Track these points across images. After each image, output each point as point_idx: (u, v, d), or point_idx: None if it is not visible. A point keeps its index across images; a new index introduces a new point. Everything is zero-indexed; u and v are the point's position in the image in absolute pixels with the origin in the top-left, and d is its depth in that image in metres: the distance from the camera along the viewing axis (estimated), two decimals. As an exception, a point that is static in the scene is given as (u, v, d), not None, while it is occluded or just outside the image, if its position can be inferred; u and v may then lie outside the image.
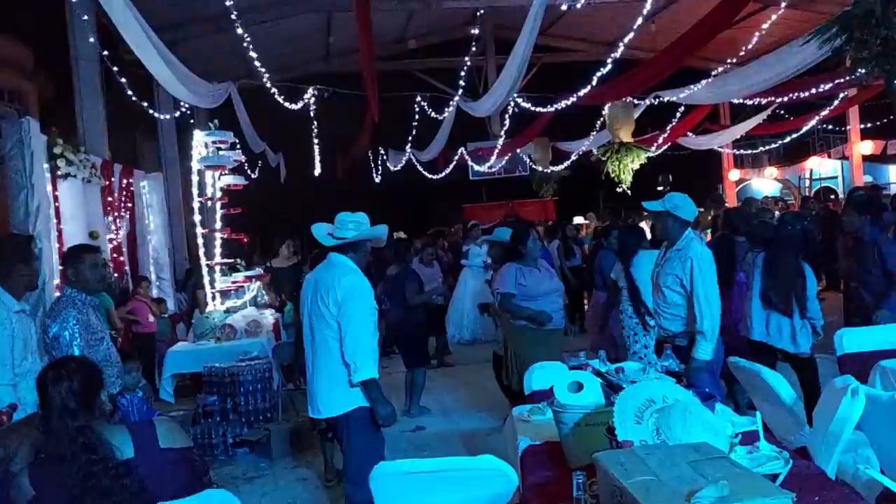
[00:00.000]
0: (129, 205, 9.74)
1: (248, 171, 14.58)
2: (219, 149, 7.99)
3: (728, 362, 4.05)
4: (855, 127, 15.41)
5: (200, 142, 7.92)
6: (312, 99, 12.82)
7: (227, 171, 8.12)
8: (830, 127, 18.65)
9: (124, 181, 9.50)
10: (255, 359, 6.21)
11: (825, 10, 10.06)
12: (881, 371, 4.04)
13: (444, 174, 18.37)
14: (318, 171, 16.30)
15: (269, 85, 10.75)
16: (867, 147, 15.31)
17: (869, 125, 15.89)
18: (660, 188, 20.94)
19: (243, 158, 9.20)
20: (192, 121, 12.07)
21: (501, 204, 18.63)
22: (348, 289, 3.65)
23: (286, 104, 12.00)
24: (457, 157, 17.33)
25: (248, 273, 8.17)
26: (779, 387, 3.47)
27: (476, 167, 17.60)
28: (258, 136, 13.08)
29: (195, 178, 7.91)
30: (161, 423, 2.77)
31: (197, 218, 7.88)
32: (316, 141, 15.00)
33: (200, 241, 7.82)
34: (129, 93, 9.83)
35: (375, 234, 3.90)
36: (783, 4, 8.39)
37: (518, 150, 16.75)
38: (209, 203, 8.00)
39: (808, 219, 7.12)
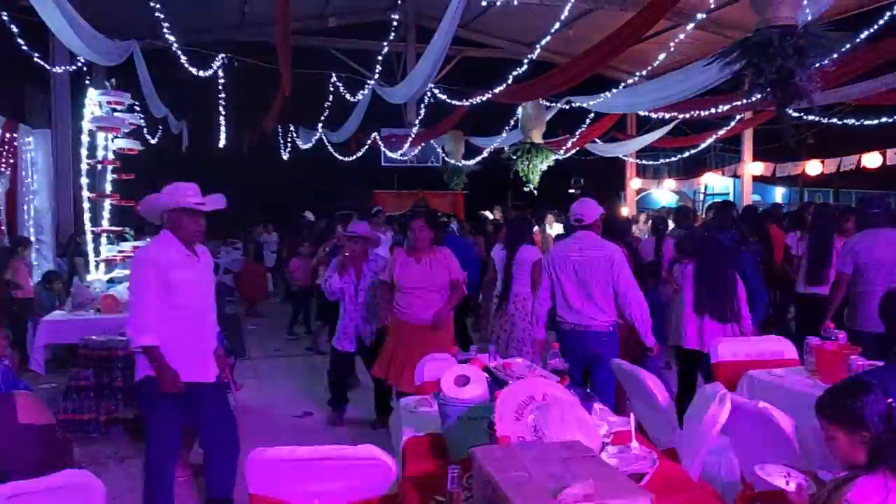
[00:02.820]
0: (11, 161, 9.13)
1: (148, 137, 13.94)
2: (114, 109, 7.59)
3: (612, 364, 4.19)
4: (748, 148, 16.28)
5: (94, 100, 7.49)
6: (222, 67, 12.36)
7: (121, 134, 7.72)
8: (726, 146, 19.70)
9: (7, 135, 8.89)
10: (137, 333, 5.92)
11: (731, 35, 10.58)
12: (748, 380, 4.30)
13: (355, 158, 18.16)
14: (223, 142, 15.75)
15: (175, 48, 10.27)
16: (758, 168, 16.20)
17: (761, 148, 16.83)
18: (572, 190, 21.52)
19: (142, 122, 8.76)
20: (88, 78, 11.38)
21: (412, 193, 18.63)
22: (132, 261, 3.86)
23: (193, 70, 11.51)
24: (369, 142, 17.15)
25: (137, 243, 7.80)
26: (655, 389, 3.62)
27: (389, 154, 17.48)
28: (161, 100, 12.49)
29: (85, 139, 7.47)
30: (22, 398, 2.60)
31: (84, 181, 7.44)
32: (222, 111, 14.47)
33: (87, 205, 7.40)
34: (20, 41, 9.17)
35: (155, 204, 3.81)
36: (691, 24, 8.74)
37: (432, 141, 16.76)
38: (99, 166, 7.58)
39: (735, 230, 7.51)
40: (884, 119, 11.86)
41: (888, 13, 8.98)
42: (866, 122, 12.17)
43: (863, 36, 8.85)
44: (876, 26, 9.00)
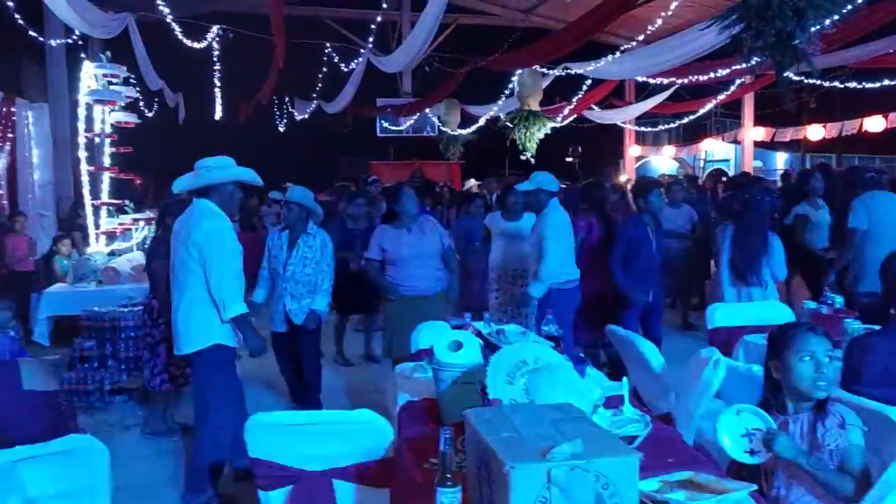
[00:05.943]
0: (11, 135, 9.12)
1: (144, 110, 13.89)
2: (110, 82, 7.57)
3: (606, 330, 4.23)
4: (749, 113, 16.15)
5: (90, 73, 7.47)
6: (216, 39, 12.25)
7: (117, 107, 7.71)
8: (726, 111, 19.57)
9: (4, 110, 8.87)
10: (138, 304, 5.98)
11: (729, -3, 10.44)
12: (745, 345, 4.34)
13: (351, 128, 18.08)
14: (219, 114, 15.68)
15: (170, 20, 10.19)
16: (758, 133, 16.10)
17: (762, 113, 16.71)
18: (569, 159, 21.40)
19: (138, 95, 8.74)
20: (83, 53, 11.32)
21: (408, 163, 18.52)
22: (207, 231, 3.76)
23: (188, 42, 11.42)
24: (365, 112, 17.06)
25: (137, 216, 7.82)
26: (649, 355, 3.66)
27: (384, 124, 17.38)
28: (156, 73, 12.42)
29: (82, 112, 7.47)
30: (26, 365, 2.64)
31: (83, 154, 7.45)
32: (217, 83, 14.38)
33: (86, 178, 7.42)
34: (15, 15, 9.10)
35: (231, 176, 3.93)
36: (690, -12, 8.66)
37: (427, 111, 16.66)
38: (97, 139, 7.59)
39: (776, 194, 7.35)
40: (886, 82, 11.73)
41: (890, -26, 8.86)
42: (868, 86, 12.07)
43: (864, -3, 8.75)
44: (878, -13, 8.89)
